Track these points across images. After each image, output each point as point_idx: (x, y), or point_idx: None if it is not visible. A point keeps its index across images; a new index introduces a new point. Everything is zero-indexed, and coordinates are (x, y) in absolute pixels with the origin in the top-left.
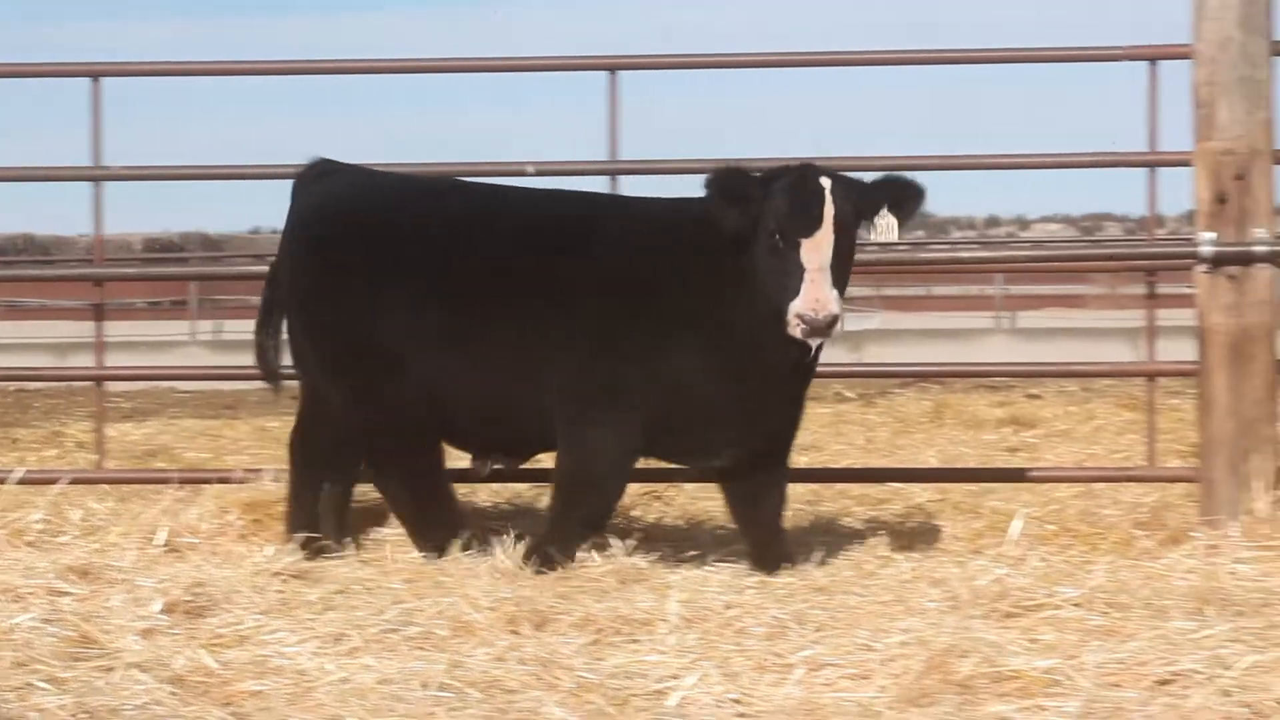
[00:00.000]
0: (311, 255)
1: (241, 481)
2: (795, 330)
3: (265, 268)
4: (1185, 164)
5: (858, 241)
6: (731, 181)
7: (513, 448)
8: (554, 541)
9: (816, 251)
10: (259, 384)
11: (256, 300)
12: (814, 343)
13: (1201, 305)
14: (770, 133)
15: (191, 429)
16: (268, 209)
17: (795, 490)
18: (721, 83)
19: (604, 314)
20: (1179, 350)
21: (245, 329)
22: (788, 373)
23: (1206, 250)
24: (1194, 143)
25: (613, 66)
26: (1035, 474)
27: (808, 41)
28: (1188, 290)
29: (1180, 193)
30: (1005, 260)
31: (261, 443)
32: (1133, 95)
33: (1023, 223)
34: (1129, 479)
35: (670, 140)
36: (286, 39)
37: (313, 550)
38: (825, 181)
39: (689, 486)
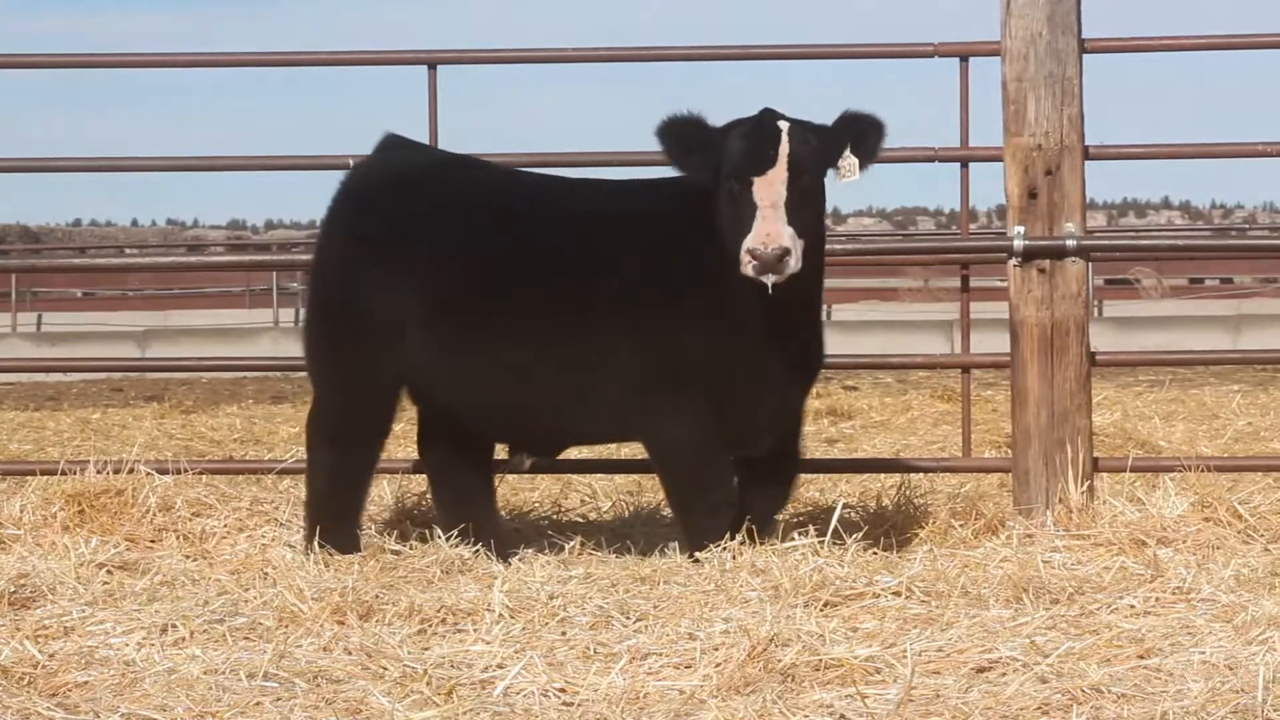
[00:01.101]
0: (348, 226)
1: (65, 473)
2: (747, 268)
3: (86, 260)
4: (997, 159)
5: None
6: (683, 129)
7: (548, 441)
8: (694, 544)
9: (769, 188)
10: (79, 376)
11: (78, 293)
12: (768, 280)
13: (1013, 299)
14: (595, 128)
15: (13, 421)
16: (91, 202)
17: (617, 481)
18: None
19: (635, 297)
20: (993, 343)
21: (66, 322)
22: (785, 336)
23: (1018, 244)
24: (1005, 138)
25: (432, 61)
26: (854, 464)
27: (633, 37)
28: (1000, 284)
29: (992, 187)
30: None
31: (84, 435)
32: (944, 91)
33: (838, 217)
34: (945, 469)
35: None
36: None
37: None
38: (782, 124)
39: (510, 477)
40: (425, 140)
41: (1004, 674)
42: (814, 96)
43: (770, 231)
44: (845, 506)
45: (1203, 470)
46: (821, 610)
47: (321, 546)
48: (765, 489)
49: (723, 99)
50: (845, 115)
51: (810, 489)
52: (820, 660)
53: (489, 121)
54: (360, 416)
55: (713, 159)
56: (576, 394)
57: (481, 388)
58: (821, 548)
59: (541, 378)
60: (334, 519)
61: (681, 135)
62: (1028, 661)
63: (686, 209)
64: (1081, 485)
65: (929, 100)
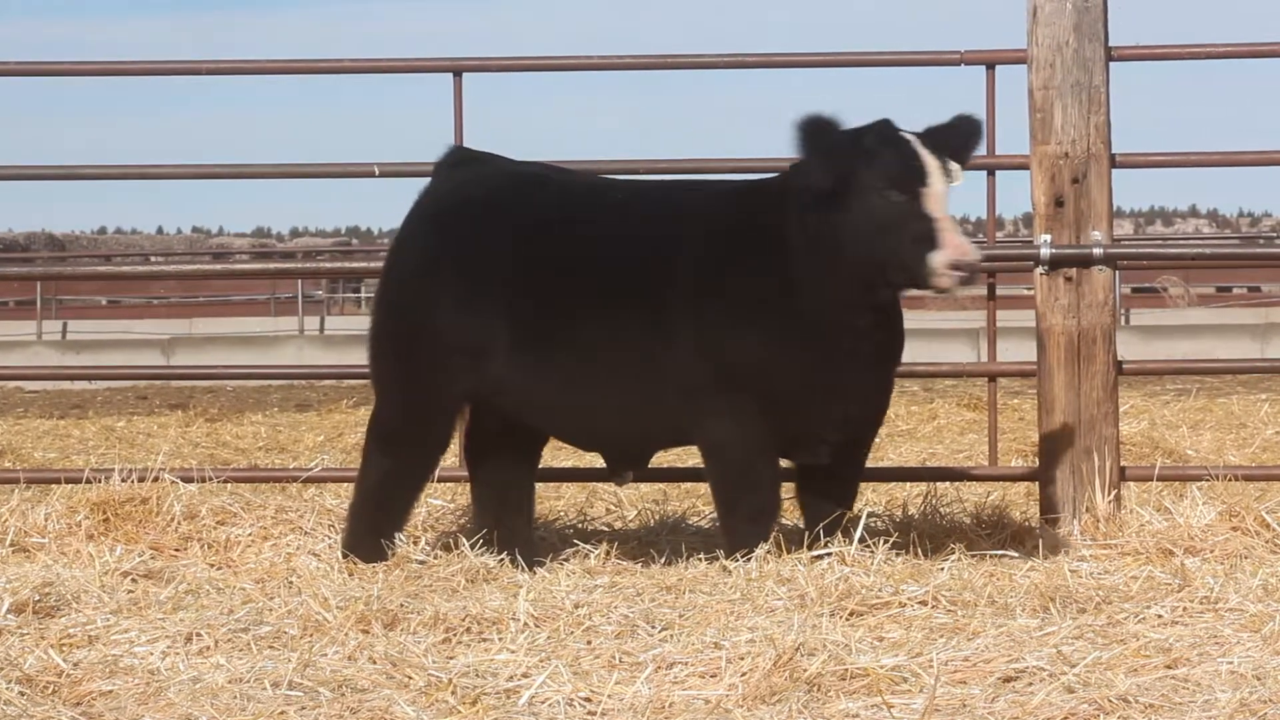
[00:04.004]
0: (425, 244)
1: (90, 481)
2: (944, 280)
3: (111, 268)
4: (1024, 167)
5: None
6: (824, 129)
7: (638, 448)
8: (730, 548)
9: (940, 200)
10: (104, 384)
11: (103, 300)
12: (962, 289)
13: (1040, 307)
14: (607, 133)
15: (38, 429)
16: (116, 210)
17: (641, 490)
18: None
19: (705, 303)
20: (1020, 351)
21: (91, 329)
22: (869, 345)
23: (1044, 253)
24: (1031, 146)
25: (458, 69)
26: (880, 473)
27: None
28: (1027, 292)
29: (1019, 195)
30: None
31: (109, 443)
32: (971, 100)
33: None
34: (971, 478)
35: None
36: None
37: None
38: (909, 134)
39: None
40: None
41: (1030, 684)
42: (841, 105)
43: (961, 243)
44: (871, 515)
45: (1230, 479)
46: (847, 619)
47: (350, 552)
48: (822, 500)
49: (749, 107)
50: (953, 121)
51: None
52: (846, 670)
53: (514, 128)
54: (424, 429)
55: (844, 164)
56: (654, 399)
57: (573, 402)
58: (848, 557)
59: (626, 385)
60: (376, 527)
61: (821, 134)
62: (1054, 671)
63: (772, 213)
64: (1108, 494)
65: (955, 108)
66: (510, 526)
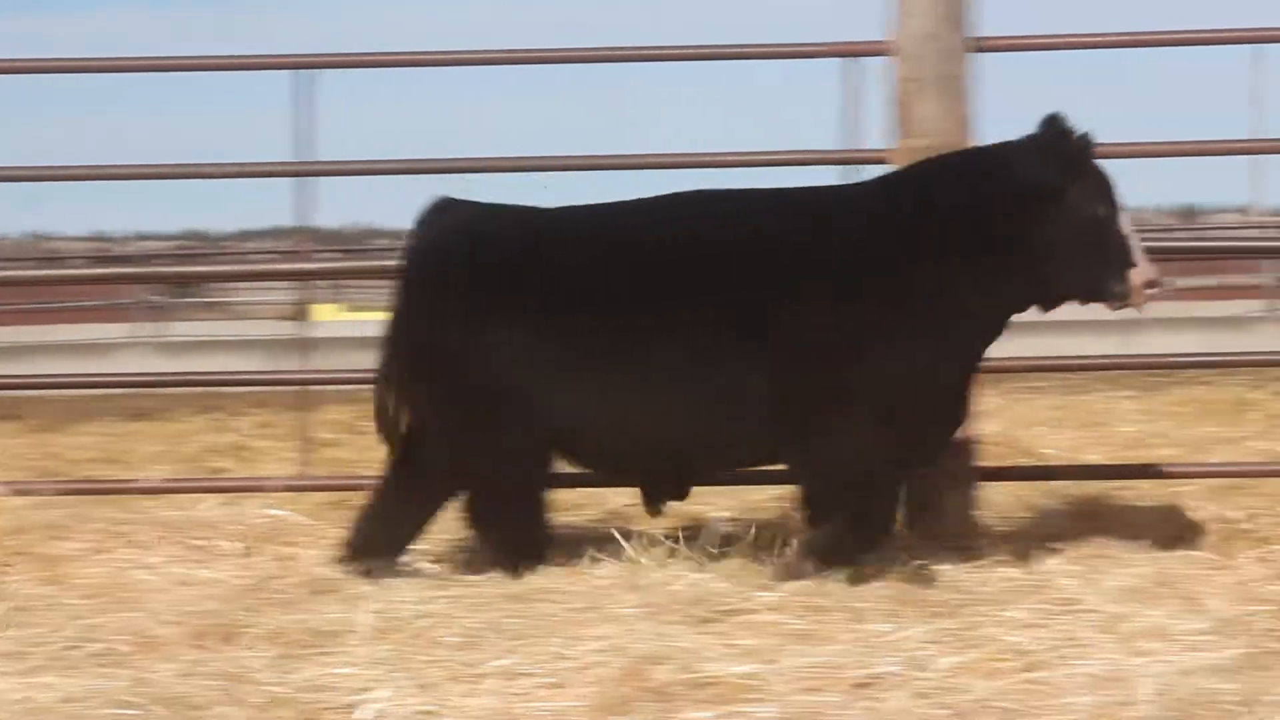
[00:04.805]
0: (434, 295)
1: None
2: (1140, 298)
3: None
4: (885, 161)
5: None
6: (1058, 134)
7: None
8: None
9: (1129, 218)
10: None
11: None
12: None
13: None
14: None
15: None
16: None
17: None
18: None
19: (826, 314)
20: None
21: None
22: (975, 361)
23: None
24: (894, 140)
25: (298, 65)
26: (733, 476)
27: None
28: None
29: None
30: None
31: None
32: (835, 92)
33: None
34: None
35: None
36: None
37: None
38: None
39: None
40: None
41: (884, 690)
42: (706, 98)
43: (1151, 263)
44: (726, 520)
45: (1090, 478)
46: (698, 627)
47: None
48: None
49: (608, 103)
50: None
51: (687, 502)
52: (696, 678)
53: (363, 128)
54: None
55: (1055, 181)
56: (749, 417)
57: (635, 425)
58: (700, 563)
59: (712, 404)
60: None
61: (1067, 138)
62: (909, 677)
63: (908, 215)
64: (966, 495)
65: (819, 101)
66: (391, 546)
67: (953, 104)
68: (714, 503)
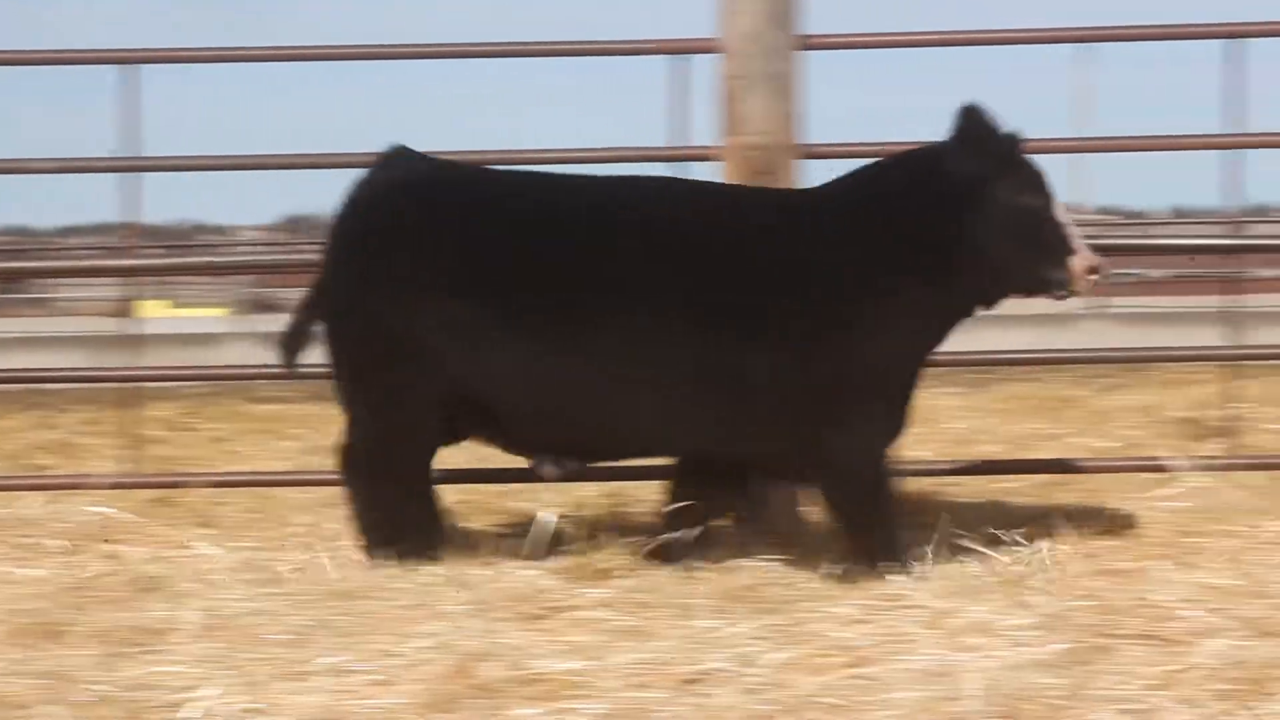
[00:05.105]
0: (358, 249)
1: None
2: (1083, 285)
3: None
4: (716, 159)
5: None
6: (983, 124)
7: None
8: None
9: (1063, 207)
10: None
11: None
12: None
13: None
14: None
15: None
16: None
17: (322, 493)
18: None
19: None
20: None
21: None
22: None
23: None
24: (721, 137)
25: (123, 60)
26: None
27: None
28: None
29: None
30: None
31: None
32: (666, 90)
33: None
34: (655, 478)
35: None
36: None
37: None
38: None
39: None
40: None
41: (713, 686)
42: (536, 97)
43: (1089, 249)
44: (555, 517)
45: (918, 475)
46: (527, 624)
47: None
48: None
49: (435, 99)
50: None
51: (517, 499)
52: (525, 675)
53: (190, 123)
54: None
55: (979, 171)
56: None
57: (594, 407)
58: (529, 560)
59: (686, 389)
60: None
61: (982, 126)
62: (737, 673)
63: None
64: (794, 491)
65: (648, 99)
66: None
67: (780, 102)
68: (542, 499)
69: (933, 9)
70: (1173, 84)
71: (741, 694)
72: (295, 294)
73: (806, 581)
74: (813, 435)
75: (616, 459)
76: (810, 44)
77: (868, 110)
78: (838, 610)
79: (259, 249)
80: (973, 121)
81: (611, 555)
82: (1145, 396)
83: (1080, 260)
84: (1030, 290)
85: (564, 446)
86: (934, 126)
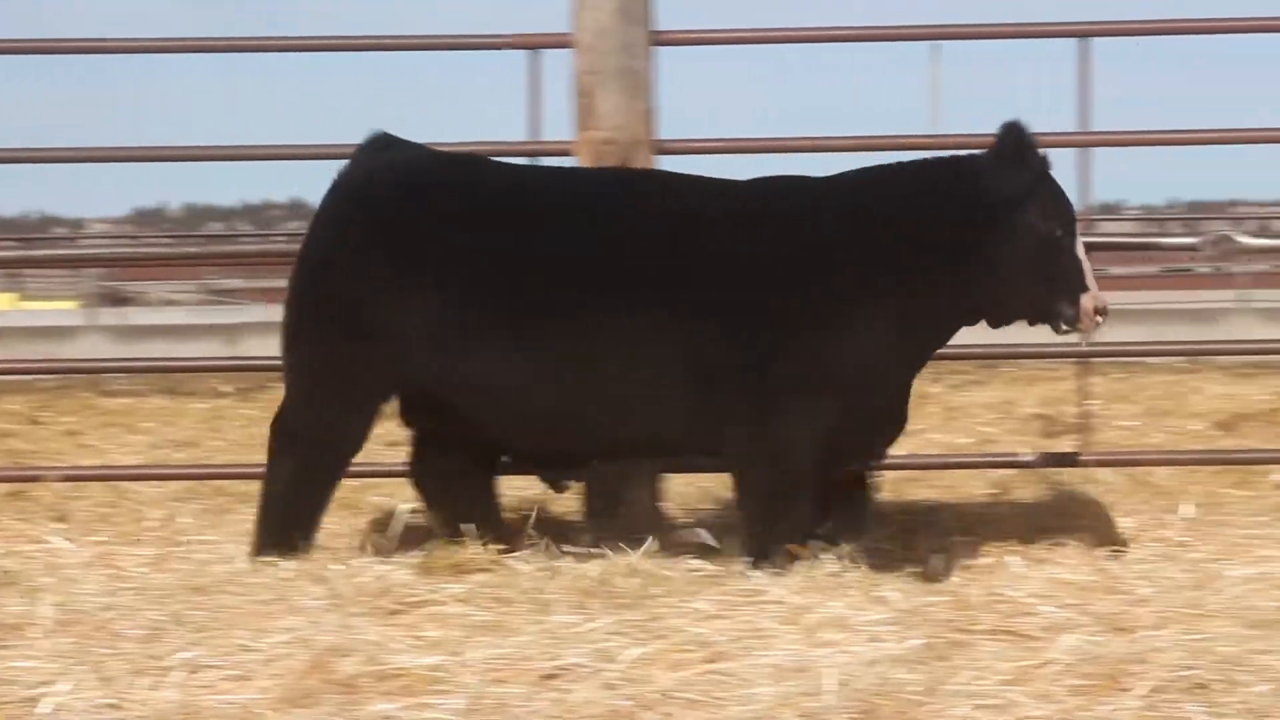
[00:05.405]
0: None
1: None
2: (1088, 324)
3: None
4: (569, 154)
5: None
6: (1022, 145)
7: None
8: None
9: (1081, 241)
10: None
11: None
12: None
13: None
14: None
15: None
16: None
17: (175, 488)
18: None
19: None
20: None
21: None
22: (918, 365)
23: None
24: (576, 132)
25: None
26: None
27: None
28: None
29: None
30: None
31: None
32: (517, 84)
33: None
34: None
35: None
36: None
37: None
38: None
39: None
40: None
41: (572, 681)
42: (383, 91)
43: (1098, 290)
44: (412, 512)
45: None
46: (385, 619)
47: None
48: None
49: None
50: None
51: (373, 494)
52: (383, 670)
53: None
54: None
55: (1014, 190)
56: (690, 398)
57: (554, 399)
58: (386, 554)
59: (642, 382)
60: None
61: (1027, 146)
62: (595, 668)
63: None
64: (650, 486)
65: (499, 93)
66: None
67: (633, 97)
68: (399, 494)
69: (814, 6)
70: (1023, 82)
71: (600, 689)
72: (145, 287)
73: (664, 577)
74: (761, 422)
75: (584, 457)
76: (663, 40)
77: (723, 107)
78: (695, 605)
79: (109, 242)
80: (1014, 138)
81: (470, 551)
82: (999, 393)
83: (1091, 299)
84: (1034, 319)
85: (529, 443)
86: (798, 124)
